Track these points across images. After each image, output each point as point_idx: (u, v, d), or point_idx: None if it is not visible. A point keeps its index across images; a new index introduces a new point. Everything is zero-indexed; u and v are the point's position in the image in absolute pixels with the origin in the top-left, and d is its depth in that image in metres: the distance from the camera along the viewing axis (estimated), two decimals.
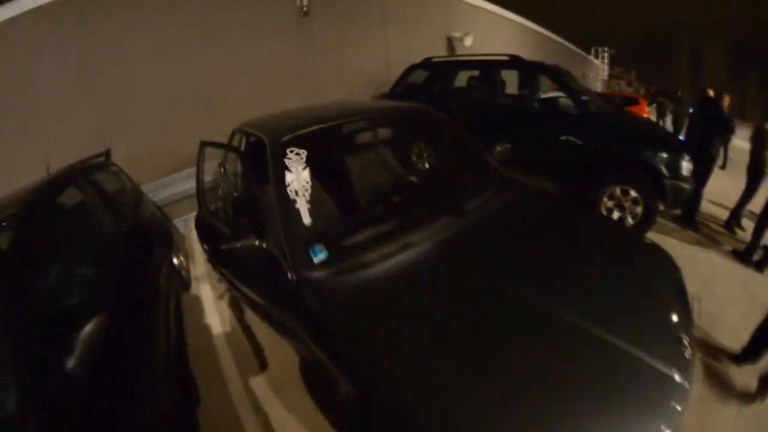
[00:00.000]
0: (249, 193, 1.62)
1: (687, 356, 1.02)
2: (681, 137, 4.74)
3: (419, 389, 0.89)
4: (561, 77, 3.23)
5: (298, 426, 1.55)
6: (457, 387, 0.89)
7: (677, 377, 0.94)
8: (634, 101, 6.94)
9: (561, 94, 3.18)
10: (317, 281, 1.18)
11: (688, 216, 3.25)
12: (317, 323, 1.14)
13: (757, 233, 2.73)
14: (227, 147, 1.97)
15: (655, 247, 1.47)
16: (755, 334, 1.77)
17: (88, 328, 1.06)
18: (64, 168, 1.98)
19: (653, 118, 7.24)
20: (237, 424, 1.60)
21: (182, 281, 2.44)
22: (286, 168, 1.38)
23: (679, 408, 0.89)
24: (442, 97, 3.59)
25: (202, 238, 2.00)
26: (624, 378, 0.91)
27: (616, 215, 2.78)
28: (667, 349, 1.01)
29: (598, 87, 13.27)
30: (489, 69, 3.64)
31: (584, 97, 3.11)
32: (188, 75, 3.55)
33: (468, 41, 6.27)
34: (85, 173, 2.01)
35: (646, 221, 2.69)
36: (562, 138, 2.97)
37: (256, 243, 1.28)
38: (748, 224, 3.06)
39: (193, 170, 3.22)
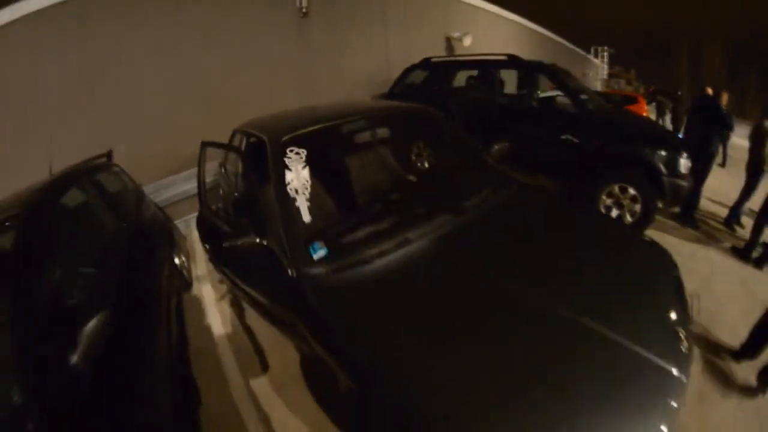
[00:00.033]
0: (250, 193, 1.64)
1: (684, 351, 1.03)
2: (680, 135, 4.74)
3: (419, 384, 0.90)
4: (559, 76, 3.24)
5: (300, 424, 1.56)
6: (457, 382, 0.90)
7: (675, 372, 0.95)
8: (633, 100, 6.94)
9: (560, 93, 3.19)
10: (317, 278, 1.19)
11: (688, 214, 3.26)
12: (317, 319, 1.15)
13: (756, 230, 2.74)
14: (228, 147, 1.98)
15: (653, 245, 1.47)
16: (754, 331, 1.78)
17: (90, 326, 1.07)
18: (67, 168, 2.00)
19: (653, 116, 7.25)
20: (238, 422, 1.61)
21: (184, 281, 2.46)
22: (286, 167, 1.39)
23: (676, 404, 0.90)
24: (441, 97, 3.60)
25: (204, 237, 2.02)
26: (624, 374, 0.92)
27: (614, 213, 2.79)
28: (665, 344, 1.02)
29: (598, 86, 13.27)
30: (488, 69, 3.66)
31: (582, 96, 3.12)
32: (188, 75, 3.55)
33: (467, 41, 6.28)
34: (87, 174, 2.02)
35: (645, 219, 2.70)
36: (561, 137, 2.98)
37: (257, 241, 1.30)
38: (748, 222, 3.07)
39: (193, 171, 3.25)
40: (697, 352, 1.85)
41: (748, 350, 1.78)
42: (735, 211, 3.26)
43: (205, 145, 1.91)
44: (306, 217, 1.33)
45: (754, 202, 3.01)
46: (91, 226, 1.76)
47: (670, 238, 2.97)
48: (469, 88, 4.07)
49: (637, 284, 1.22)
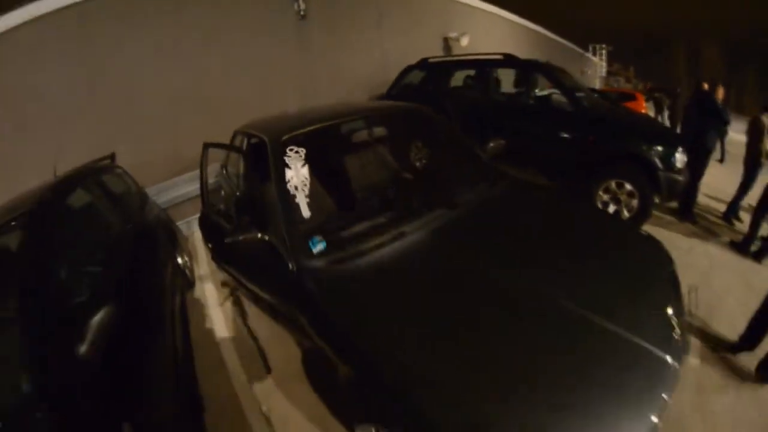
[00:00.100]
0: (251, 191, 1.68)
1: (678, 340, 1.06)
2: (678, 131, 4.75)
3: (417, 371, 0.92)
4: (554, 74, 3.27)
5: (301, 418, 1.58)
6: (454, 369, 0.92)
7: (669, 359, 0.97)
8: (631, 97, 6.96)
9: (556, 91, 3.22)
10: (316, 270, 1.23)
11: (686, 209, 3.27)
12: (316, 309, 1.18)
13: (754, 224, 2.75)
14: (230, 147, 2.02)
15: (649, 239, 1.49)
16: (752, 322, 1.79)
17: (96, 322, 1.10)
18: (73, 170, 2.04)
19: (651, 113, 7.27)
20: (241, 417, 1.64)
21: (187, 280, 2.50)
22: (286, 165, 1.44)
23: (669, 390, 0.93)
24: (439, 97, 3.64)
25: (206, 236, 2.06)
26: (620, 361, 0.95)
27: (612, 209, 2.81)
28: (659, 334, 1.04)
29: (597, 84, 13.28)
30: (484, 68, 3.69)
31: (578, 94, 3.15)
32: (188, 75, 3.58)
33: (464, 41, 6.33)
34: (93, 175, 2.07)
35: (642, 214, 2.72)
36: (557, 134, 3.01)
37: (259, 236, 1.34)
38: (746, 217, 3.08)
39: (194, 173, 3.30)
40: (696, 344, 1.86)
41: (746, 342, 1.79)
42: (733, 206, 3.27)
43: (207, 146, 1.95)
44: (305, 213, 1.37)
45: (753, 198, 3.02)
46: (97, 226, 1.81)
47: (668, 233, 2.98)
48: (466, 87, 4.10)
49: (632, 276, 1.25)
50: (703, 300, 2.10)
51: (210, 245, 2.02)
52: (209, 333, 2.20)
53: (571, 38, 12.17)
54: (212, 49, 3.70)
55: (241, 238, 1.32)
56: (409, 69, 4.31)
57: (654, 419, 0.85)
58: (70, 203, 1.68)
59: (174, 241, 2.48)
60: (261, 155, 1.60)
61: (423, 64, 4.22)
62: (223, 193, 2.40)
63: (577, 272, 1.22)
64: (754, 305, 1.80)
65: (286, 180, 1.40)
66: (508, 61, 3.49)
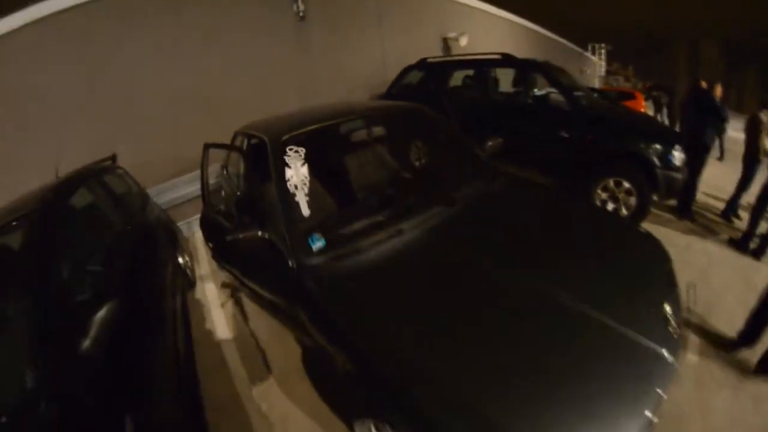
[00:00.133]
0: (251, 191, 1.69)
1: (675, 335, 1.07)
2: (677, 129, 4.76)
3: (416, 366, 0.93)
4: (552, 74, 3.28)
5: (301, 416, 1.60)
6: (452, 363, 0.93)
7: (666, 354, 0.99)
8: (630, 96, 6.97)
9: (554, 90, 3.23)
10: (316, 267, 1.25)
11: (685, 207, 3.28)
12: (316, 305, 1.20)
13: (753, 221, 2.76)
14: (230, 147, 2.04)
15: (648, 236, 1.51)
16: (750, 319, 1.79)
17: (99, 319, 1.11)
18: (75, 171, 2.06)
19: (650, 112, 7.27)
20: (242, 414, 1.65)
21: (187, 280, 2.51)
22: (286, 164, 1.45)
23: (665, 383, 0.94)
24: (438, 97, 3.65)
25: (207, 236, 2.08)
26: (618, 357, 0.96)
27: (610, 207, 2.82)
28: (656, 329, 1.05)
29: (596, 83, 13.29)
30: (482, 68, 3.70)
31: (576, 93, 3.16)
32: (188, 75, 3.59)
33: (463, 41, 6.34)
34: (95, 175, 2.09)
35: (640, 212, 2.73)
36: (555, 133, 3.02)
37: (259, 234, 1.35)
38: (746, 215, 3.07)
39: (194, 174, 3.31)
40: (695, 341, 1.87)
41: (745, 339, 1.80)
42: (732, 203, 3.27)
43: (207, 146, 1.97)
44: (305, 211, 1.39)
45: (752, 195, 3.03)
46: (100, 225, 1.83)
47: (666, 231, 2.99)
48: (465, 87, 4.12)
49: (630, 273, 1.26)
50: (701, 297, 2.11)
51: (211, 245, 2.04)
52: (210, 333, 2.21)
53: (571, 38, 12.18)
54: (212, 49, 3.72)
55: (241, 235, 1.34)
56: (408, 69, 4.33)
57: (648, 414, 0.86)
58: (73, 203, 1.70)
59: (175, 241, 2.50)
60: (261, 155, 1.62)
61: (422, 64, 4.24)
62: (223, 193, 2.42)
63: (575, 269, 1.23)
64: (752, 302, 1.80)
65: (286, 179, 1.42)
66: (506, 60, 3.50)
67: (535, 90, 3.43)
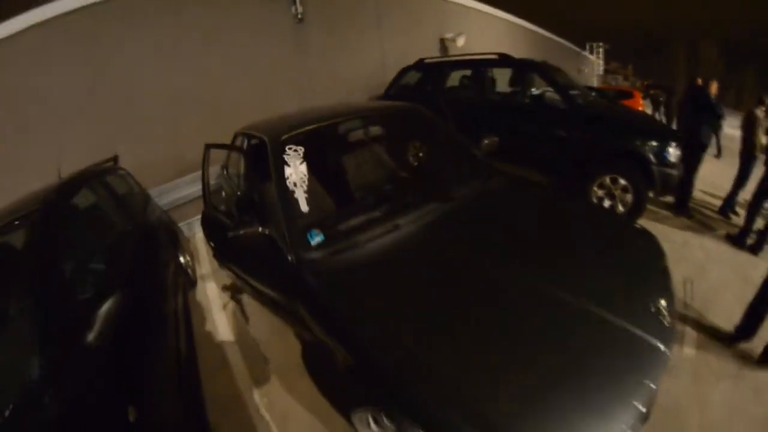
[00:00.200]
0: (251, 190, 1.72)
1: (668, 327, 1.08)
2: (674, 127, 4.79)
3: (414, 358, 0.95)
4: (548, 73, 3.31)
5: (301, 411, 1.61)
6: (450, 355, 0.95)
7: (660, 345, 1.01)
8: (628, 95, 7.00)
9: (550, 89, 3.26)
10: (315, 261, 1.27)
11: (682, 203, 3.30)
12: (315, 299, 1.22)
13: (750, 217, 2.77)
14: (230, 147, 2.06)
15: (644, 233, 1.52)
16: (748, 312, 1.81)
17: (102, 312, 1.13)
18: (78, 171, 2.08)
19: (648, 111, 7.30)
20: (243, 410, 1.67)
21: (189, 279, 2.53)
22: (285, 163, 1.48)
23: (658, 374, 0.95)
24: (435, 97, 3.67)
25: (208, 235, 2.10)
26: (620, 352, 0.97)
27: (606, 204, 2.84)
28: (651, 321, 1.07)
29: (594, 82, 13.33)
30: (479, 68, 3.73)
31: (572, 92, 3.19)
32: (188, 75, 3.61)
33: (460, 42, 6.38)
34: (97, 176, 2.11)
35: (637, 208, 2.75)
36: (551, 132, 3.04)
37: (259, 230, 1.38)
38: (743, 211, 3.09)
39: (195, 175, 3.33)
40: (692, 335, 1.88)
41: (742, 333, 1.81)
42: (729, 200, 3.29)
43: (208, 146, 2.00)
44: (304, 207, 1.42)
45: (749, 192, 3.04)
46: (102, 225, 1.85)
47: (664, 228, 3.00)
48: (462, 87, 4.15)
49: (625, 269, 1.28)
50: (699, 292, 2.12)
51: (212, 244, 2.06)
52: (212, 332, 2.23)
53: (571, 38, 12.22)
54: (212, 50, 3.73)
55: (242, 232, 1.36)
56: (406, 70, 4.36)
57: (639, 406, 0.87)
58: (76, 203, 1.72)
59: (176, 241, 2.52)
60: (261, 155, 1.65)
61: (419, 64, 4.27)
62: (223, 193, 2.44)
63: (571, 266, 1.25)
64: (750, 297, 1.82)
65: (286, 177, 1.45)
66: (503, 60, 3.53)
67: (533, 89, 3.45)
